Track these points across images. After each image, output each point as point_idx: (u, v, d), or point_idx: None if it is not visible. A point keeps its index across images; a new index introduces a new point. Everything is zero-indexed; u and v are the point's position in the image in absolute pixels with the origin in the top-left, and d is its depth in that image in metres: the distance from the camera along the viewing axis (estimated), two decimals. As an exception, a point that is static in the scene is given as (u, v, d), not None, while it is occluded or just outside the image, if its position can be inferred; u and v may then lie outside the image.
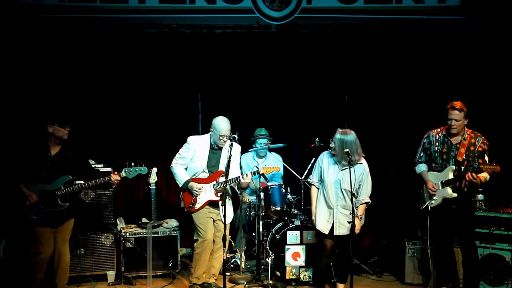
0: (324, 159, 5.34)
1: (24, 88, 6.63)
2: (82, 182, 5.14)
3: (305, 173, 6.25)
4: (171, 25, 6.77)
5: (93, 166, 6.02)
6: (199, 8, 6.81)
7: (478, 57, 6.67)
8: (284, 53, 6.98)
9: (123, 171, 5.25)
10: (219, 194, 5.41)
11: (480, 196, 5.81)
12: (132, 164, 5.30)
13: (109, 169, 6.18)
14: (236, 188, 5.59)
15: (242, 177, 5.38)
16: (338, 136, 5.15)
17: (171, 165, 5.53)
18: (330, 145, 5.23)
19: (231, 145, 5.18)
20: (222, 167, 5.42)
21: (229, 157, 5.16)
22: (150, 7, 6.78)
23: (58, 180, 5.07)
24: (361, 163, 5.21)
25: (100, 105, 6.87)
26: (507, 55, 6.53)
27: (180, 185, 5.47)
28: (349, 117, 6.96)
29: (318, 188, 5.38)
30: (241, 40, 6.93)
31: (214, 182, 5.43)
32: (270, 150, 6.54)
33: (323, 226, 5.27)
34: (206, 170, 5.44)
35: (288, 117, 7.11)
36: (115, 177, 5.18)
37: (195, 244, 5.53)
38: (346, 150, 5.03)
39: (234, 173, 5.43)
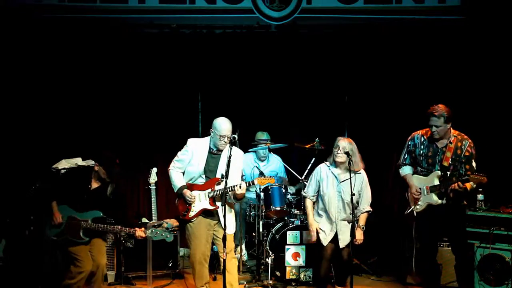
0: (322, 172, 5.27)
1: (22, 88, 6.63)
2: (107, 225, 4.99)
3: (305, 173, 6.25)
4: (171, 25, 6.77)
5: (92, 165, 6.01)
6: (199, 8, 6.81)
7: (478, 57, 6.66)
8: (284, 53, 6.97)
9: (148, 231, 5.02)
10: (214, 203, 4.94)
11: (480, 196, 5.79)
12: (160, 227, 5.12)
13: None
14: (232, 197, 4.97)
15: (236, 188, 4.81)
16: (345, 143, 5.08)
17: (168, 168, 5.13)
18: (338, 153, 5.10)
19: (231, 146, 4.79)
20: (219, 173, 4.95)
21: (229, 157, 4.75)
22: (150, 7, 6.78)
23: (89, 212, 5.00)
24: (360, 173, 5.18)
25: (100, 105, 6.87)
26: (507, 55, 6.53)
27: (175, 191, 5.06)
28: (349, 117, 6.96)
29: (313, 202, 5.35)
30: (241, 40, 6.93)
31: (209, 190, 4.93)
32: (270, 150, 6.55)
33: (323, 237, 5.22)
34: (203, 176, 4.96)
35: (288, 117, 7.11)
36: (139, 233, 4.99)
37: (190, 257, 5.12)
38: (355, 159, 5.04)
39: (233, 181, 4.87)
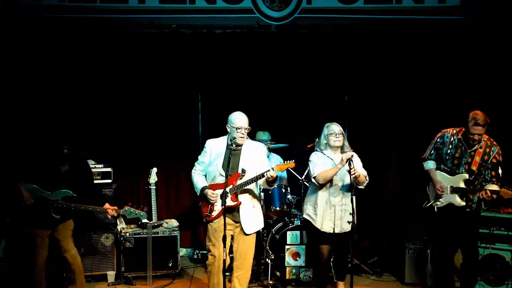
0: (320, 158, 5.17)
1: (23, 88, 6.63)
2: (79, 204, 5.08)
3: (305, 173, 6.25)
4: (171, 25, 6.76)
5: (93, 166, 6.03)
6: (199, 8, 6.80)
7: (478, 57, 6.67)
8: (284, 53, 6.97)
9: (123, 209, 5.15)
10: (237, 199, 4.82)
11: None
12: (134, 207, 5.23)
13: (109, 169, 6.19)
14: (266, 183, 4.85)
15: (267, 174, 4.65)
16: (339, 127, 5.14)
17: (191, 173, 5.04)
18: (336, 138, 5.09)
19: (231, 144, 4.72)
20: (241, 169, 4.82)
21: (229, 155, 4.72)
22: (150, 7, 6.77)
23: (58, 191, 5.08)
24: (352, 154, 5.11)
25: (100, 105, 6.87)
26: (507, 56, 6.53)
27: (198, 193, 4.98)
28: (349, 117, 6.95)
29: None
30: (241, 40, 6.92)
31: (231, 186, 4.78)
32: (270, 150, 6.55)
33: (328, 226, 5.12)
34: (223, 174, 4.78)
35: (288, 117, 7.10)
36: (111, 212, 5.15)
37: (207, 261, 4.99)
38: (346, 141, 5.16)
39: (258, 171, 4.77)
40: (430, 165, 5.24)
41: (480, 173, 4.99)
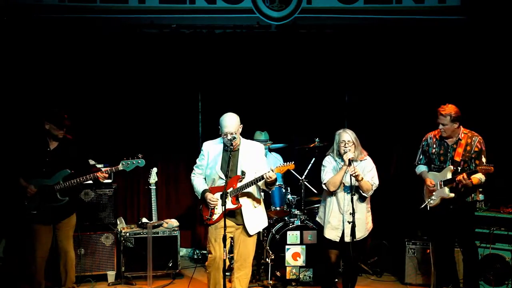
0: (332, 163, 5.08)
1: (24, 87, 6.63)
2: (79, 178, 5.10)
3: (305, 173, 6.25)
4: (171, 25, 6.77)
5: (92, 166, 6.03)
6: (199, 8, 6.81)
7: (478, 57, 6.67)
8: (284, 53, 6.97)
9: (120, 164, 5.18)
10: (237, 201, 4.77)
11: (480, 196, 5.80)
12: (130, 157, 5.24)
13: (108, 169, 6.18)
14: (265, 186, 4.83)
15: (265, 176, 4.60)
16: (349, 135, 4.98)
17: (191, 176, 4.98)
18: (346, 148, 4.93)
19: (230, 145, 4.68)
20: (240, 171, 4.77)
21: (229, 155, 4.68)
22: (150, 7, 6.78)
23: (57, 174, 5.10)
24: (366, 159, 5.08)
25: (100, 105, 6.86)
26: (507, 55, 6.53)
27: (199, 197, 4.91)
28: (349, 117, 6.96)
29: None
30: (241, 40, 6.93)
31: (231, 189, 4.72)
32: (270, 150, 6.55)
33: (333, 234, 5.05)
34: (223, 176, 4.71)
35: (288, 117, 7.10)
36: (101, 175, 5.15)
37: (207, 262, 4.93)
38: (359, 148, 5.02)
39: (259, 172, 4.71)
40: (421, 168, 5.42)
41: (467, 164, 5.13)
